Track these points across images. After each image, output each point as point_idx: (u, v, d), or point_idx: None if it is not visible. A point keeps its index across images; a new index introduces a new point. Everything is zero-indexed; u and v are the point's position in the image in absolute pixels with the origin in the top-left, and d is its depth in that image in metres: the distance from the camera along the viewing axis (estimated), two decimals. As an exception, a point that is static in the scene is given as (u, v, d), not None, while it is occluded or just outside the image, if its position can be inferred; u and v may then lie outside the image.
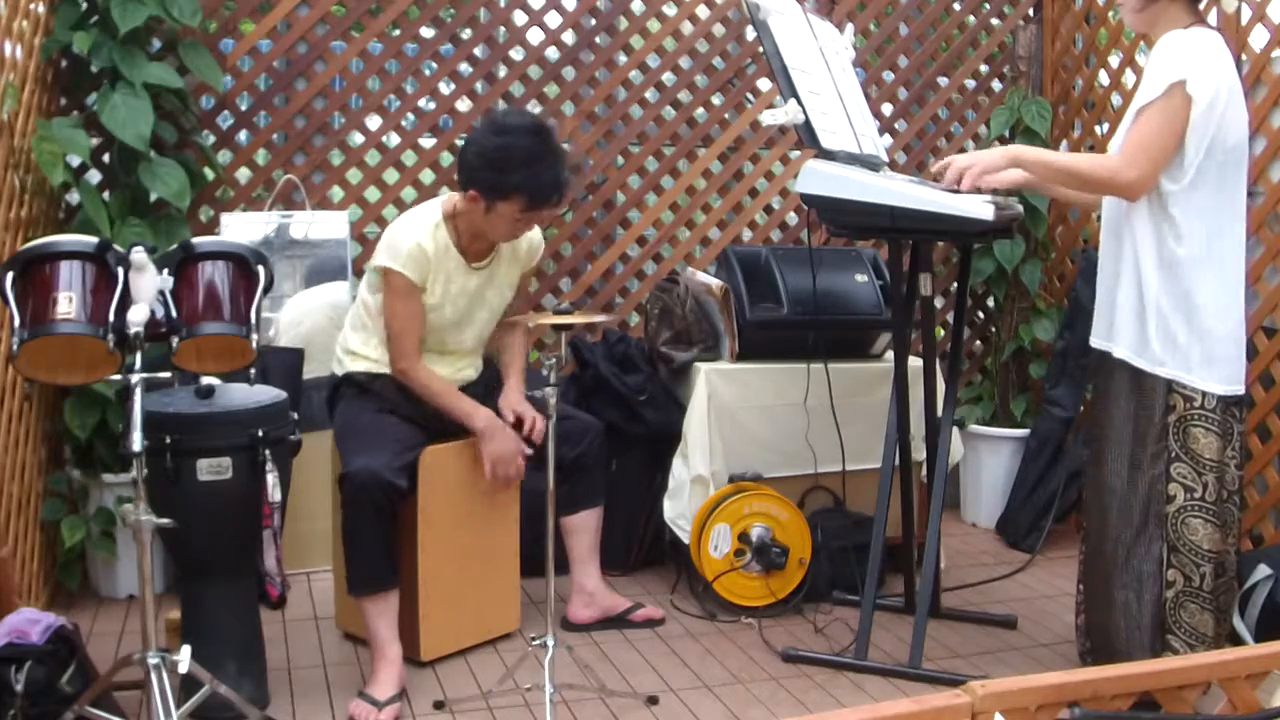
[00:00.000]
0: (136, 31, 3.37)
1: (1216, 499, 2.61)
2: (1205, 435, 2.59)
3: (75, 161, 3.32)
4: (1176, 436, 2.61)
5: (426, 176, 4.17)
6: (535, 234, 3.17)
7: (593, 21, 4.29)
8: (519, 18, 4.23)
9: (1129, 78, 4.19)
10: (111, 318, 2.28)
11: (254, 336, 2.44)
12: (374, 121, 4.20)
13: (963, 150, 4.68)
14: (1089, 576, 2.83)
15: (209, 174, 3.84)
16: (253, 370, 2.51)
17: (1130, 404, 2.67)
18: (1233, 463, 2.64)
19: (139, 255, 2.27)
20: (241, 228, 3.74)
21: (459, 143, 4.17)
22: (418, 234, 2.95)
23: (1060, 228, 4.51)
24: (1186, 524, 2.62)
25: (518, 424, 3.10)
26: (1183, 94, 2.48)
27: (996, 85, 4.74)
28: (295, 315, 3.70)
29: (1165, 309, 2.58)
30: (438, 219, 2.99)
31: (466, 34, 4.15)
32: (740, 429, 3.58)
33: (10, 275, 2.31)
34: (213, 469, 2.59)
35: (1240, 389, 2.63)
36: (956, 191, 2.76)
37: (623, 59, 4.34)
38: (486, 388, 3.21)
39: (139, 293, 2.28)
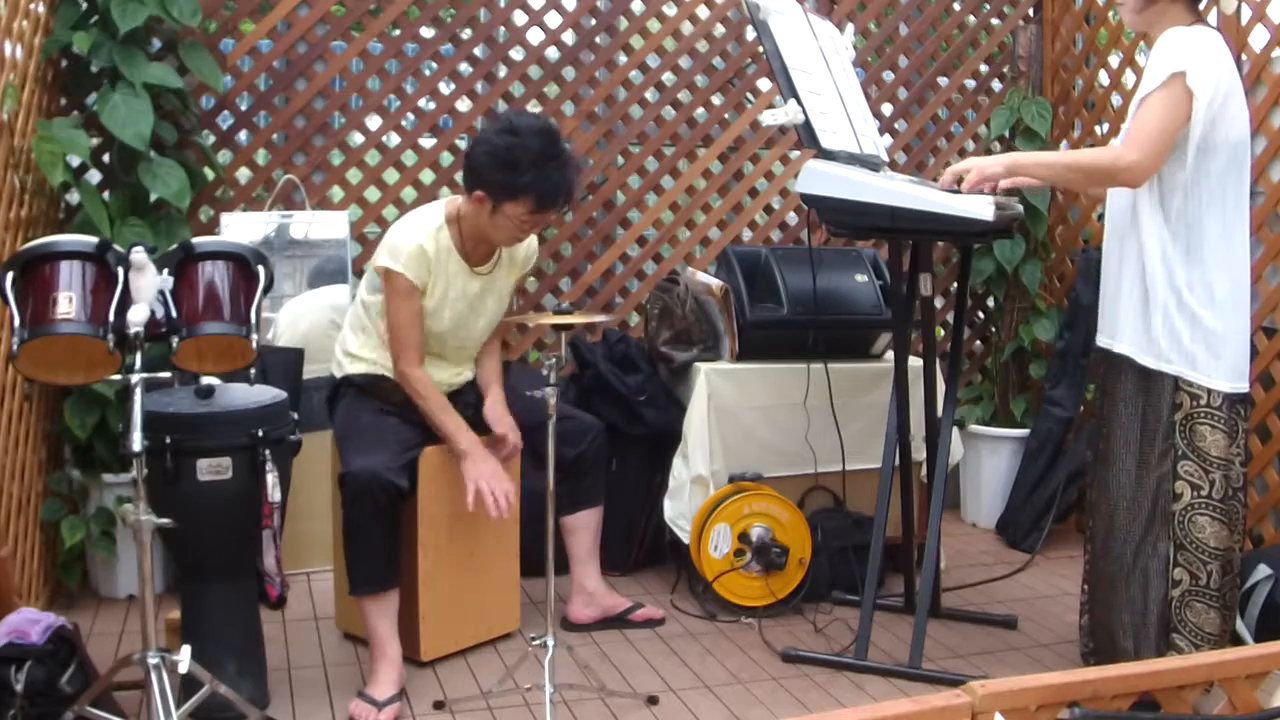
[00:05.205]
0: (136, 31, 3.37)
1: (1223, 496, 2.61)
2: (1212, 433, 2.59)
3: (75, 161, 3.32)
4: (1183, 434, 2.61)
5: (426, 176, 4.17)
6: (532, 240, 3.17)
7: (593, 21, 4.28)
8: (519, 18, 4.23)
9: (1129, 78, 4.19)
10: (111, 318, 2.28)
11: (254, 336, 2.44)
12: (374, 121, 4.19)
13: (963, 151, 4.70)
14: (1094, 577, 2.83)
15: (209, 174, 3.83)
16: (253, 370, 2.51)
17: (1137, 402, 2.67)
18: (1238, 459, 2.64)
19: (139, 255, 2.27)
20: (241, 228, 3.74)
21: (459, 143, 4.20)
22: (419, 235, 2.93)
23: (1060, 228, 4.51)
24: (1194, 522, 2.62)
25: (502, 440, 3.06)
26: (1183, 85, 2.48)
27: (996, 85, 4.73)
28: (295, 315, 3.69)
29: (1170, 305, 2.58)
30: (440, 221, 2.98)
31: (466, 34, 4.15)
32: (740, 429, 3.57)
33: (10, 275, 2.31)
34: (213, 469, 2.59)
35: (1245, 386, 2.63)
36: (956, 191, 2.76)
37: (623, 59, 4.34)
38: (481, 390, 3.20)
39: (139, 293, 2.28)
